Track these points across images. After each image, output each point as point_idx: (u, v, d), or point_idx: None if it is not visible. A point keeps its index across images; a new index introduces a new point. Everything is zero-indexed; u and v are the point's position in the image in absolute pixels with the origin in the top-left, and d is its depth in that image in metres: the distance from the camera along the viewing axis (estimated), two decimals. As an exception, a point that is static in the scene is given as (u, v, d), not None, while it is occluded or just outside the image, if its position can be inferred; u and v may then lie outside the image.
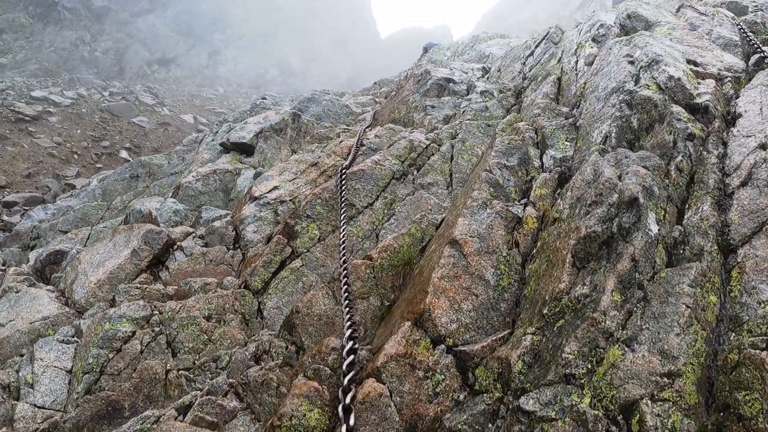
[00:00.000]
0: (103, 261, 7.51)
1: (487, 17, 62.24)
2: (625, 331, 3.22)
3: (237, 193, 10.25)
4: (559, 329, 3.42)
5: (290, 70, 59.57)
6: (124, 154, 30.13)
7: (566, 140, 5.74)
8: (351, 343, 4.06)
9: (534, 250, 4.49)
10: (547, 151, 5.64)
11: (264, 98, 15.67)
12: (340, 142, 8.80)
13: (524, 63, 9.64)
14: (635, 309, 3.32)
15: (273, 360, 4.88)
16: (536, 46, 9.49)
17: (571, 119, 6.16)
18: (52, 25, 48.64)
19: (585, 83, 6.60)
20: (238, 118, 12.72)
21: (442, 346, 3.84)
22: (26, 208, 21.57)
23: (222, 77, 50.97)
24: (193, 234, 7.69)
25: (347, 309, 4.53)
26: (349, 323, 4.30)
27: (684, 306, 3.23)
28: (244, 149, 11.21)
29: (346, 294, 4.75)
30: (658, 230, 3.69)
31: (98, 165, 28.89)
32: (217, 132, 12.72)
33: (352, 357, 3.75)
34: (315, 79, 59.04)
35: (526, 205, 4.93)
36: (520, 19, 43.87)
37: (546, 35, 9.47)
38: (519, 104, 8.60)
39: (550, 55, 8.73)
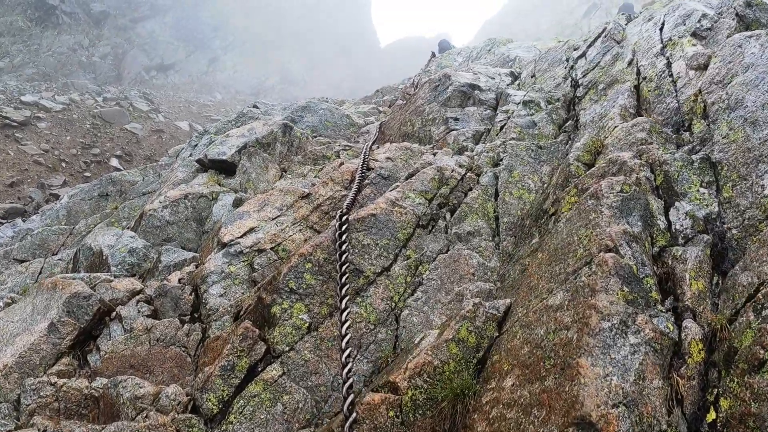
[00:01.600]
0: (15, 335, 5.18)
1: (488, 26, 59.48)
2: None
3: (212, 223, 7.94)
4: None
5: (291, 78, 57.12)
6: (114, 162, 27.78)
7: (701, 185, 3.45)
8: None
9: (715, 415, 2.21)
10: (677, 204, 3.35)
11: (255, 106, 13.35)
12: (340, 164, 6.50)
13: (572, 67, 7.36)
14: None
15: None
16: (589, 46, 7.21)
17: (690, 148, 3.88)
18: (51, 29, 46.49)
19: (699, 95, 4.31)
20: (221, 129, 10.40)
21: None
22: (3, 221, 19.22)
23: (221, 84, 48.44)
24: (141, 295, 5.36)
25: None
26: None
27: None
28: (225, 168, 8.89)
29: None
30: None
31: (86, 173, 26.58)
32: (196, 145, 10.38)
33: None
34: (315, 86, 56.71)
35: (677, 312, 2.64)
36: (523, 28, 41.31)
37: (603, 32, 7.19)
38: (574, 118, 6.32)
39: (613, 57, 6.45)
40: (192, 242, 7.92)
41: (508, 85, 8.57)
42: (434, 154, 6.07)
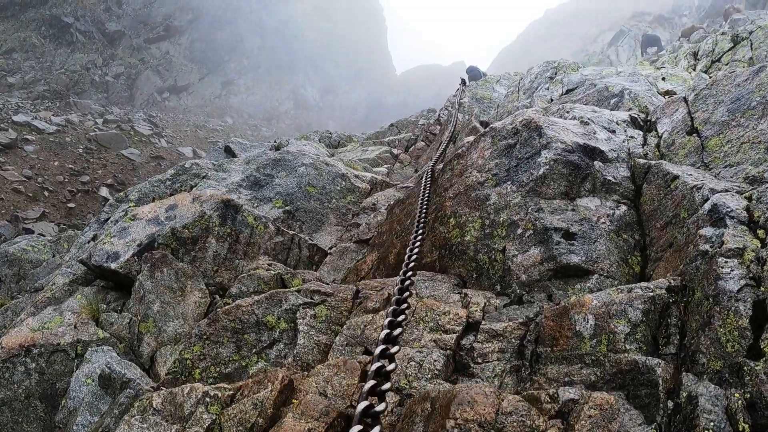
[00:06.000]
0: None
1: (505, 53, 54.69)
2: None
3: (67, 412, 3.64)
4: None
5: (304, 103, 52.95)
6: (104, 191, 23.64)
7: None
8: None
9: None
10: None
11: (228, 149, 8.98)
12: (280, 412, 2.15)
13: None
14: None
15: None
16: None
17: None
18: (65, 46, 42.85)
19: None
20: (147, 194, 6.08)
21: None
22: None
23: (234, 108, 44.31)
24: None
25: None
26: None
27: None
28: (119, 282, 4.59)
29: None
30: None
31: (71, 204, 22.49)
32: (107, 220, 6.07)
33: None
34: (329, 112, 52.55)
35: None
36: (543, 56, 36.99)
37: None
38: None
39: None
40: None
41: (643, 146, 4.16)
42: None
